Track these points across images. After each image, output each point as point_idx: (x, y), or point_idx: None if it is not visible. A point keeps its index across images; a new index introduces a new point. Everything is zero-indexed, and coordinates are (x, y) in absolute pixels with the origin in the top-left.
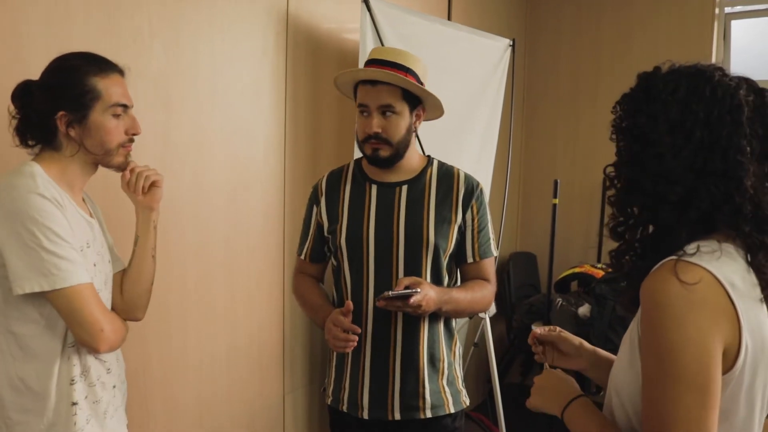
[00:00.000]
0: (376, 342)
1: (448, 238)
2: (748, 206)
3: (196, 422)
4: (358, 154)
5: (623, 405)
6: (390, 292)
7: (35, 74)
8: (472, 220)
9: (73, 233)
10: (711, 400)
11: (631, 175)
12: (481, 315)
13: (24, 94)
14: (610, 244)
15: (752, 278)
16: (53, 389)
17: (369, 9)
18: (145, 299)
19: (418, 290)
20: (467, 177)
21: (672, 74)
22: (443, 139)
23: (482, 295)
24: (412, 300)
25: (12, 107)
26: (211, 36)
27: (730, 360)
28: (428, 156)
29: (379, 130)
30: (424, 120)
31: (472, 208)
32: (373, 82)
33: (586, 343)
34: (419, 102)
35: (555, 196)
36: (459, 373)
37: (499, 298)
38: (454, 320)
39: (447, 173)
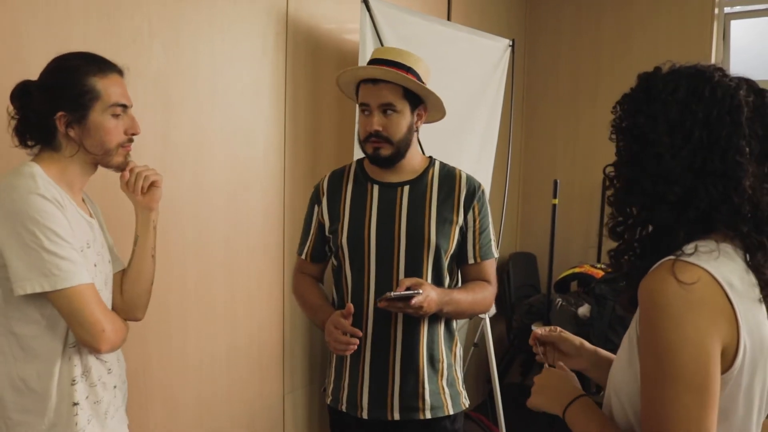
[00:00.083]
0: (376, 342)
1: (450, 238)
2: (746, 206)
3: (196, 422)
4: (357, 154)
5: (622, 405)
6: (391, 293)
7: (35, 74)
8: (474, 221)
9: (73, 233)
10: (710, 400)
11: (630, 175)
12: (481, 315)
13: (23, 94)
14: (609, 244)
15: (751, 278)
16: (54, 390)
17: (369, 9)
18: (145, 299)
19: (420, 291)
20: (469, 178)
21: (672, 74)
22: (443, 139)
23: (483, 296)
24: (413, 301)
25: (11, 108)
26: (210, 36)
27: (728, 360)
28: (430, 157)
29: (380, 129)
30: (426, 122)
31: (473, 209)
32: (375, 81)
33: (586, 343)
34: (421, 101)
35: (555, 196)
36: (459, 374)
37: (499, 298)
38: (454, 321)
39: (449, 174)
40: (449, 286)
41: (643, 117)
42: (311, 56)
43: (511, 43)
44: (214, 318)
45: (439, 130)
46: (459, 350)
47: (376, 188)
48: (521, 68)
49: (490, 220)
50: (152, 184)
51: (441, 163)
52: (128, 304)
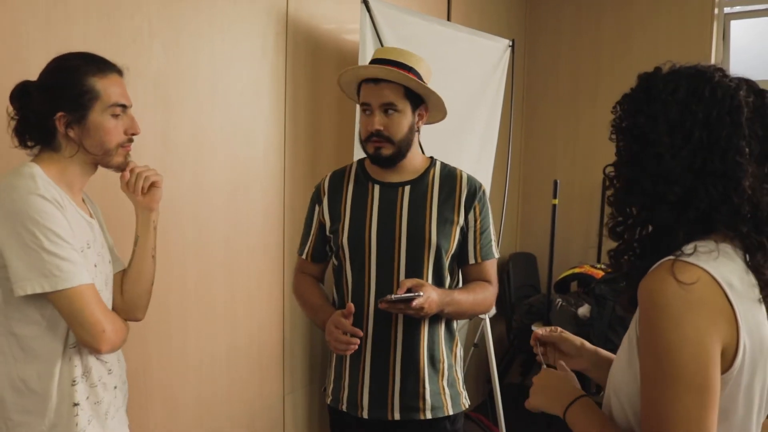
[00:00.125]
0: (377, 342)
1: (450, 238)
2: (746, 207)
3: (196, 422)
4: (357, 154)
5: (622, 405)
6: (392, 296)
7: (35, 74)
8: (475, 221)
9: (73, 234)
10: (710, 400)
11: (630, 175)
12: (481, 316)
13: (22, 95)
14: (609, 244)
15: (750, 279)
16: (54, 390)
17: (368, 10)
18: (145, 299)
19: (421, 294)
20: (470, 178)
21: (672, 75)
22: (443, 139)
23: (484, 296)
24: (414, 303)
25: (11, 108)
26: (210, 36)
27: (728, 360)
28: (431, 157)
29: (381, 128)
30: (427, 123)
31: (474, 209)
32: (376, 81)
33: (587, 344)
34: (422, 101)
35: (555, 197)
36: (460, 374)
37: (499, 298)
38: (454, 321)
39: (450, 174)
40: (450, 286)
41: (643, 117)
42: (311, 56)
43: (511, 44)
44: (214, 318)
45: (439, 130)
46: (459, 350)
47: (377, 188)
48: (521, 68)
49: (491, 220)
50: (153, 185)
51: (442, 163)
52: (128, 304)
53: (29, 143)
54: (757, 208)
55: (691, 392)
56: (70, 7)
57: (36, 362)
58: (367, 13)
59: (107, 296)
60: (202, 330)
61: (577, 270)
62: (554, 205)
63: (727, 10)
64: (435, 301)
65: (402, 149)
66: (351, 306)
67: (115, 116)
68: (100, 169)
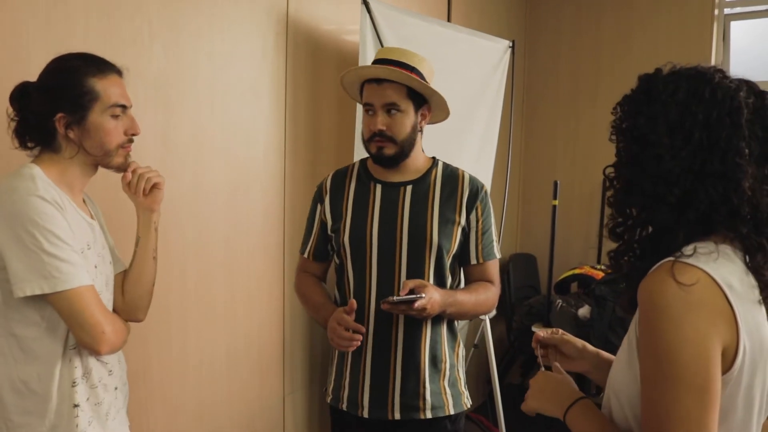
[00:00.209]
0: (378, 341)
1: (452, 238)
2: (746, 208)
3: (196, 423)
4: (357, 154)
5: (622, 406)
6: (394, 297)
7: (35, 75)
8: (477, 221)
9: (73, 235)
10: (710, 401)
11: (630, 175)
12: (482, 316)
13: (22, 96)
14: (609, 245)
15: (750, 280)
16: (55, 391)
17: (369, 10)
18: (146, 300)
19: (423, 295)
20: (472, 179)
21: (672, 76)
22: (443, 140)
23: (486, 297)
24: (416, 304)
25: (11, 109)
26: (211, 37)
27: (728, 361)
28: (433, 157)
29: (384, 128)
30: (430, 122)
31: (476, 209)
32: (379, 81)
33: (588, 346)
34: (424, 101)
35: (555, 198)
36: (461, 374)
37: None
38: (456, 321)
39: (452, 175)
40: (451, 287)
41: (643, 118)
42: (311, 57)
43: (511, 45)
44: (214, 318)
45: (439, 131)
46: (462, 351)
47: (378, 187)
48: (521, 69)
49: (493, 221)
50: (154, 186)
51: (444, 163)
52: (129, 305)
53: (29, 144)
54: (757, 210)
55: (691, 393)
56: (70, 8)
57: (36, 363)
58: (368, 14)
59: (108, 297)
60: (202, 330)
61: (577, 271)
62: (554, 206)
63: (727, 11)
64: (437, 301)
65: (405, 149)
66: (353, 302)
67: (115, 117)
68: (102, 170)
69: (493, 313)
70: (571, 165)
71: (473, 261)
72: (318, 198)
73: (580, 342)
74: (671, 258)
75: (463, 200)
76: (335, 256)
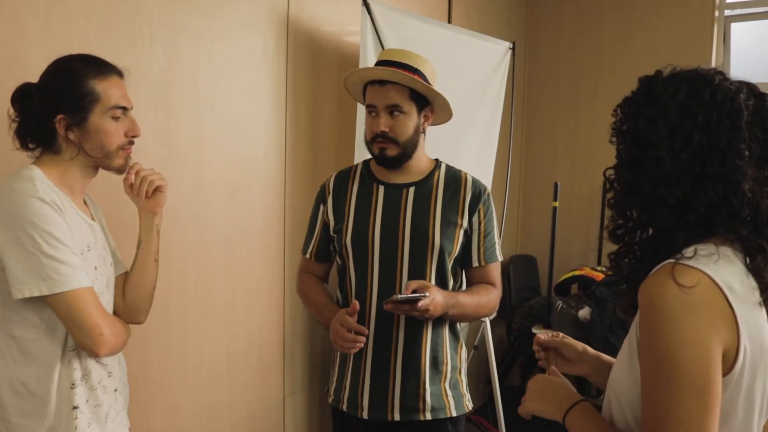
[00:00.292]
0: (378, 342)
1: (454, 240)
2: (746, 210)
3: (196, 424)
4: (358, 156)
5: (622, 408)
6: (398, 296)
7: (35, 76)
8: (479, 224)
9: (73, 237)
10: (711, 403)
11: (630, 177)
12: (482, 318)
13: (23, 97)
14: (610, 247)
15: (751, 282)
16: (54, 393)
17: (369, 12)
18: (147, 302)
19: (427, 294)
20: (475, 181)
21: (672, 78)
22: (443, 141)
23: (488, 299)
24: (420, 304)
25: (12, 110)
26: (211, 38)
27: (728, 363)
28: (436, 159)
29: (387, 129)
30: (432, 124)
31: (479, 212)
32: (381, 82)
33: (589, 349)
34: (427, 103)
35: (555, 199)
36: (464, 376)
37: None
38: (458, 323)
39: (455, 177)
40: (453, 289)
41: (644, 120)
42: (312, 58)
43: (511, 46)
44: (214, 319)
45: (439, 132)
46: (464, 353)
47: (381, 189)
48: (521, 70)
49: (495, 223)
50: (157, 189)
51: (447, 165)
52: (130, 307)
53: (30, 145)
54: (757, 211)
55: (691, 395)
56: (71, 9)
57: (35, 365)
58: (368, 16)
59: (108, 299)
60: (202, 331)
61: (577, 272)
62: (555, 208)
63: (727, 12)
64: (440, 302)
65: (407, 150)
66: (356, 303)
67: (116, 119)
68: (103, 172)
69: (494, 314)
70: (571, 166)
71: (475, 263)
72: (321, 198)
73: (580, 345)
74: (672, 260)
75: (466, 202)
76: (337, 257)
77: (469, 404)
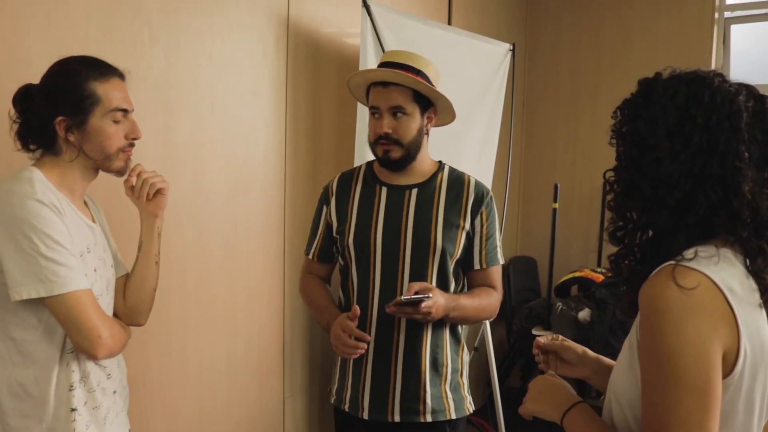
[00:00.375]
0: (379, 344)
1: (456, 243)
2: (746, 211)
3: (196, 426)
4: (358, 156)
5: (622, 410)
6: (402, 297)
7: (35, 77)
8: (481, 227)
9: (72, 239)
10: (711, 404)
11: (630, 179)
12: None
13: (24, 98)
14: (610, 249)
15: (751, 283)
16: (52, 395)
17: (369, 13)
18: (147, 305)
19: (430, 295)
20: (478, 184)
21: (672, 80)
22: (444, 143)
23: (488, 302)
24: (423, 305)
25: (13, 111)
26: (211, 40)
27: (729, 365)
28: (440, 161)
29: (390, 131)
30: (435, 125)
31: (481, 214)
32: (385, 84)
33: (589, 351)
34: (430, 104)
35: (555, 201)
36: (465, 379)
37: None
38: (459, 326)
39: (458, 179)
40: (455, 291)
41: (643, 122)
42: (312, 59)
43: (511, 48)
44: (213, 320)
45: (439, 133)
46: (466, 355)
47: (384, 190)
48: (521, 72)
49: (497, 226)
50: (158, 191)
51: (450, 168)
52: (131, 309)
53: (31, 147)
54: (757, 213)
55: (692, 396)
56: (71, 11)
57: (34, 367)
58: (368, 17)
59: (108, 300)
60: (202, 333)
61: (577, 274)
62: (554, 209)
63: (727, 14)
64: (441, 305)
65: (411, 152)
66: (356, 308)
67: (116, 121)
68: (105, 174)
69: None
70: (571, 168)
71: (476, 266)
72: (324, 199)
73: (580, 348)
74: (672, 262)
75: (468, 205)
76: (340, 258)
77: (470, 407)
